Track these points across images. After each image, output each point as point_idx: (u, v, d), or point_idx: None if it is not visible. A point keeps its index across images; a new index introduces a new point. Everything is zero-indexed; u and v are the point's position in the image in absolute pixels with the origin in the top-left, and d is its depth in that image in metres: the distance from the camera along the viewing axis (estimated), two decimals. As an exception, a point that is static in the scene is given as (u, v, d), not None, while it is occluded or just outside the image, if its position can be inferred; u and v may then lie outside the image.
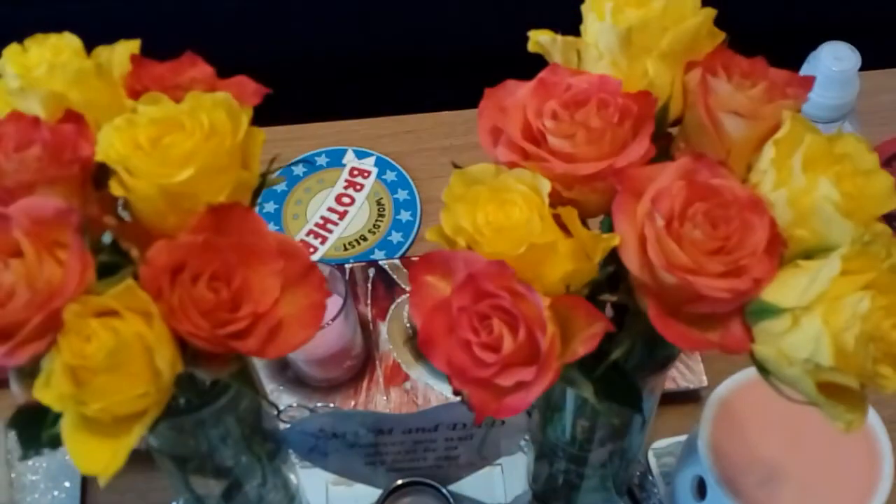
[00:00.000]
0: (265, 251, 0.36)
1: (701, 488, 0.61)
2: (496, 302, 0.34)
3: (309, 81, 1.59)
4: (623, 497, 0.66)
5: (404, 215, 0.86)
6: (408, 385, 0.74)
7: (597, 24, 0.39)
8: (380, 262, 0.80)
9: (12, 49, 0.40)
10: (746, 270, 0.34)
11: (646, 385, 0.45)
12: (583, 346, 0.35)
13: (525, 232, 0.36)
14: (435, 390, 0.74)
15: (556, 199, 0.37)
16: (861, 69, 0.73)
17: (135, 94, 0.40)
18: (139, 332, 0.34)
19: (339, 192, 0.87)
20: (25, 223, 0.34)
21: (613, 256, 0.36)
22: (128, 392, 0.34)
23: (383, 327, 0.77)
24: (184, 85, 0.41)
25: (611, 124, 0.37)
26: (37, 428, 0.37)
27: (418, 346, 0.36)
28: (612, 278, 0.37)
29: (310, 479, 0.66)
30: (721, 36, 0.40)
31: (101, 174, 0.37)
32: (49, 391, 0.33)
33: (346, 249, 0.84)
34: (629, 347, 0.39)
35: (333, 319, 0.68)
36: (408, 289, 0.79)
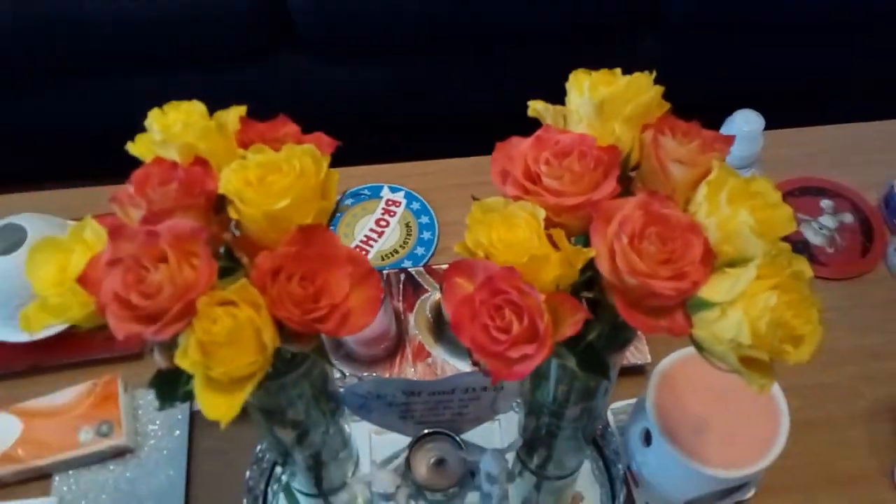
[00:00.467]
0: (338, 259, 0.37)
1: (647, 438, 0.61)
2: (507, 297, 0.34)
3: (356, 136, 1.59)
4: (590, 444, 0.66)
5: (426, 235, 0.86)
6: (429, 360, 0.74)
7: (577, 97, 0.40)
8: (408, 269, 0.80)
9: (155, 112, 0.40)
10: (687, 275, 0.34)
11: (611, 360, 0.45)
12: (569, 330, 0.35)
13: (527, 247, 0.36)
14: (449, 363, 0.74)
15: (548, 223, 0.37)
16: (765, 129, 0.74)
17: (244, 145, 0.40)
18: (250, 316, 0.34)
19: (378, 217, 0.87)
20: (169, 238, 0.34)
21: (590, 265, 0.36)
22: (242, 360, 0.34)
23: (411, 318, 0.76)
24: (279, 139, 0.41)
25: (588, 169, 0.37)
26: (172, 387, 0.37)
27: (450, 328, 0.36)
28: (589, 280, 0.37)
29: (358, 429, 0.66)
30: (666, 106, 0.40)
31: (220, 203, 0.38)
32: (186, 359, 0.34)
33: (383, 259, 0.84)
34: (600, 331, 0.39)
35: (376, 312, 0.68)
36: (429, 289, 0.79)
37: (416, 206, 0.88)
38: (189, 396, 0.36)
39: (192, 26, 1.33)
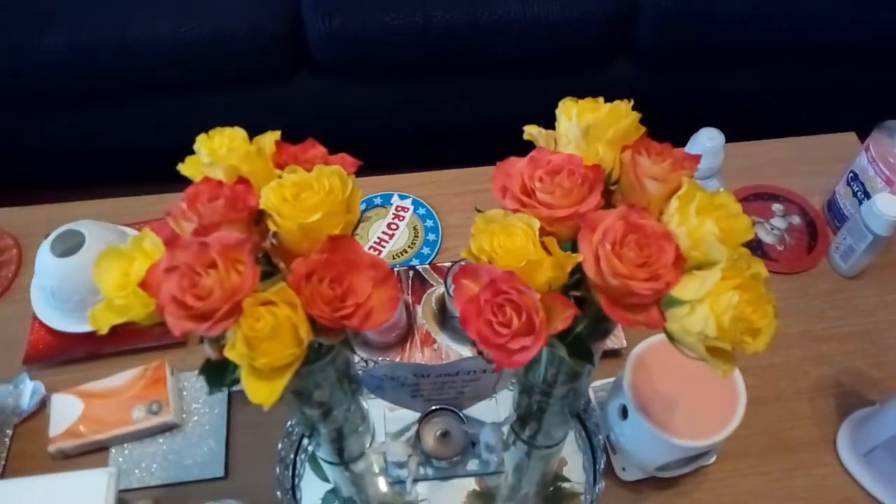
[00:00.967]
0: (362, 264, 0.37)
1: (624, 412, 0.62)
2: (508, 296, 0.35)
3: (368, 148, 1.60)
4: (574, 418, 0.66)
5: (431, 236, 0.86)
6: (435, 346, 0.74)
7: (566, 122, 0.40)
8: (416, 267, 0.81)
9: (203, 137, 0.40)
10: (661, 277, 0.35)
11: (594, 347, 0.45)
12: (561, 324, 0.35)
13: (524, 253, 0.36)
14: (452, 348, 0.74)
15: (542, 232, 0.37)
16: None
17: (279, 166, 0.41)
18: (288, 315, 0.35)
19: (389, 221, 0.87)
20: (218, 248, 0.35)
21: (578, 268, 0.36)
22: (282, 352, 0.34)
23: (419, 309, 0.77)
24: (309, 159, 0.42)
25: (576, 185, 0.37)
26: (220, 375, 0.37)
27: (456, 321, 0.37)
28: (577, 281, 0.37)
29: (374, 406, 0.66)
30: (643, 129, 0.40)
31: (260, 216, 0.38)
32: (233, 352, 0.34)
33: (394, 258, 0.84)
34: (586, 324, 0.39)
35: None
36: (434, 284, 0.79)
37: (422, 211, 0.88)
38: (235, 383, 0.36)
39: (220, 51, 1.33)
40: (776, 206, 0.87)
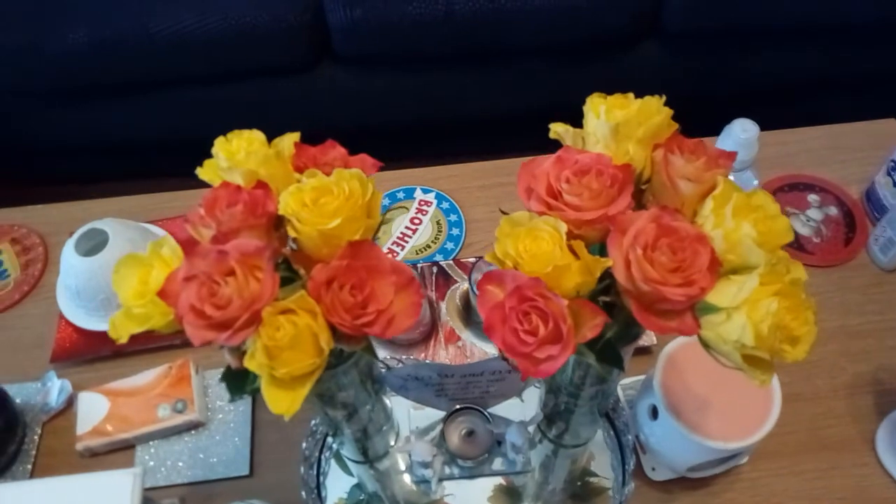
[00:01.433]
0: (383, 269, 0.36)
1: (654, 412, 0.61)
2: (534, 303, 0.34)
3: (388, 138, 1.59)
4: (603, 417, 0.65)
5: (455, 231, 0.85)
6: (459, 343, 0.74)
7: (594, 120, 0.39)
8: (440, 262, 0.80)
9: (221, 140, 0.40)
10: (696, 282, 0.33)
11: (624, 351, 0.44)
12: (590, 332, 0.34)
13: (550, 257, 0.35)
14: (477, 346, 0.73)
15: (569, 236, 0.36)
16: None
17: (299, 169, 0.40)
18: (308, 323, 0.34)
19: (412, 215, 0.86)
20: (237, 255, 0.34)
21: (608, 273, 0.35)
22: (302, 362, 0.34)
23: (443, 305, 0.76)
24: (328, 162, 0.41)
25: (605, 186, 0.36)
26: (241, 382, 0.37)
27: (483, 331, 0.35)
28: (606, 287, 0.36)
29: (398, 403, 0.65)
30: (675, 126, 0.39)
31: (279, 222, 0.37)
32: (253, 361, 0.33)
33: (417, 254, 0.83)
34: (616, 330, 0.38)
35: (412, 301, 0.67)
36: (458, 280, 0.78)
37: (445, 205, 0.87)
38: (256, 391, 0.36)
39: (242, 43, 1.32)
40: (812, 197, 0.85)
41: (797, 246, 0.80)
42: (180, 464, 0.69)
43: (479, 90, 1.49)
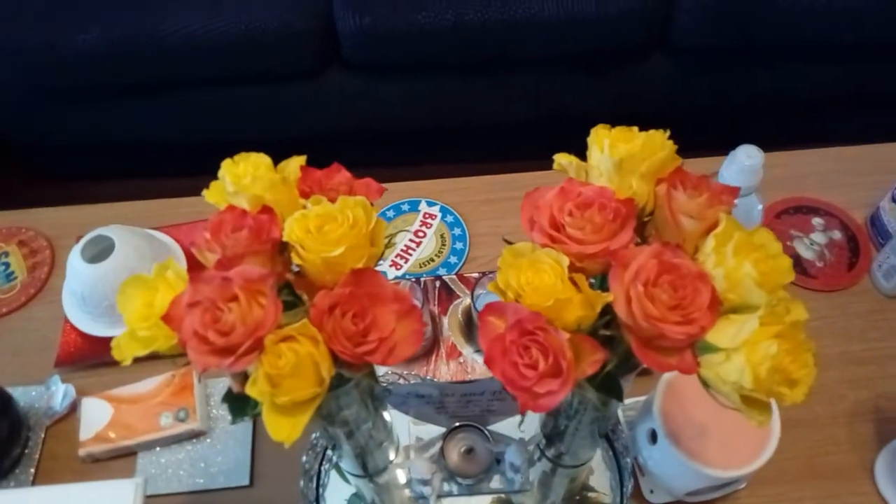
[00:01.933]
0: (385, 297, 0.36)
1: (653, 437, 0.61)
2: (534, 337, 0.34)
3: (395, 143, 1.59)
4: (602, 438, 0.65)
5: (458, 245, 0.85)
6: (461, 359, 0.72)
7: (598, 154, 0.39)
8: (443, 277, 0.79)
9: (227, 163, 0.40)
10: (696, 320, 0.33)
11: (624, 380, 0.44)
12: (590, 368, 0.34)
13: (552, 290, 0.35)
14: (479, 363, 0.73)
15: (571, 268, 0.36)
16: (763, 147, 0.70)
17: (304, 194, 0.40)
18: (310, 351, 0.34)
19: (416, 228, 0.86)
20: (240, 282, 0.34)
21: (609, 307, 0.35)
22: (304, 391, 0.34)
23: (445, 320, 0.74)
24: (333, 187, 0.41)
25: (607, 220, 0.36)
26: (242, 406, 0.37)
27: (484, 362, 0.35)
28: (607, 321, 0.36)
29: (399, 421, 0.65)
30: (679, 160, 0.39)
31: (284, 247, 0.38)
32: (255, 389, 0.34)
33: (421, 267, 0.83)
34: (616, 362, 0.38)
35: (414, 316, 0.67)
36: (461, 295, 0.78)
37: (449, 218, 0.87)
38: (257, 415, 0.36)
39: (252, 47, 1.33)
40: (816, 221, 0.85)
41: (800, 270, 0.80)
42: (181, 472, 0.70)
43: (488, 99, 1.49)
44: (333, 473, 0.68)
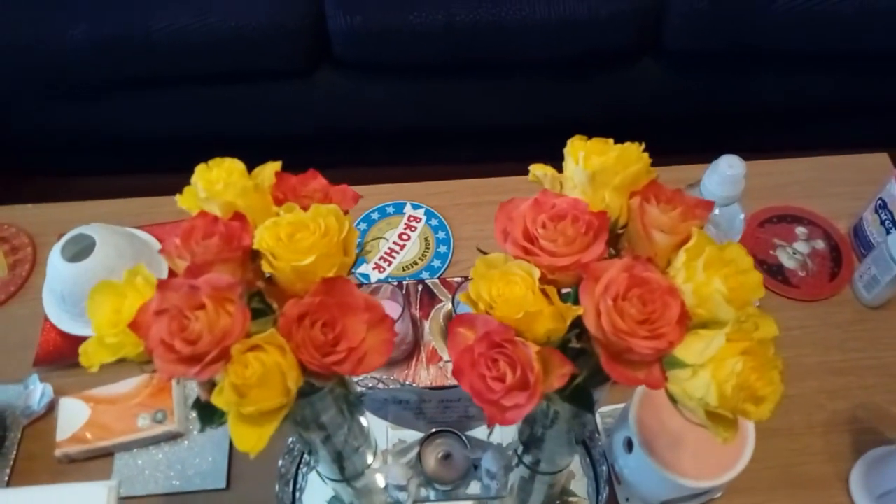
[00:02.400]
0: (356, 307, 0.36)
1: (629, 445, 0.61)
2: (502, 350, 0.34)
3: (384, 144, 1.59)
4: (579, 445, 0.66)
5: (442, 248, 0.85)
6: (441, 364, 0.73)
7: (573, 166, 0.39)
8: (426, 280, 0.80)
9: (201, 168, 0.39)
10: (664, 335, 0.33)
11: (596, 392, 0.44)
12: (557, 381, 0.34)
13: (523, 302, 0.35)
14: (459, 367, 0.73)
15: (543, 280, 0.36)
16: (746, 154, 0.70)
17: (278, 200, 0.40)
18: (277, 361, 0.34)
19: (400, 231, 0.86)
20: (208, 290, 0.34)
21: (578, 320, 0.35)
22: (270, 401, 0.34)
23: (427, 325, 0.76)
24: (308, 194, 0.41)
25: (580, 233, 0.36)
26: (211, 414, 0.37)
27: (452, 374, 0.35)
28: (578, 334, 0.36)
29: (377, 426, 0.65)
30: (654, 173, 0.39)
31: (255, 255, 0.37)
32: (221, 398, 0.34)
33: (404, 270, 0.83)
34: (587, 375, 0.38)
35: (396, 320, 0.67)
36: (443, 299, 0.78)
37: (434, 222, 0.87)
38: (224, 423, 0.36)
39: (242, 45, 1.32)
40: (800, 230, 0.85)
41: (782, 279, 0.81)
42: (158, 474, 0.69)
43: (478, 100, 1.49)
44: (311, 477, 0.68)
